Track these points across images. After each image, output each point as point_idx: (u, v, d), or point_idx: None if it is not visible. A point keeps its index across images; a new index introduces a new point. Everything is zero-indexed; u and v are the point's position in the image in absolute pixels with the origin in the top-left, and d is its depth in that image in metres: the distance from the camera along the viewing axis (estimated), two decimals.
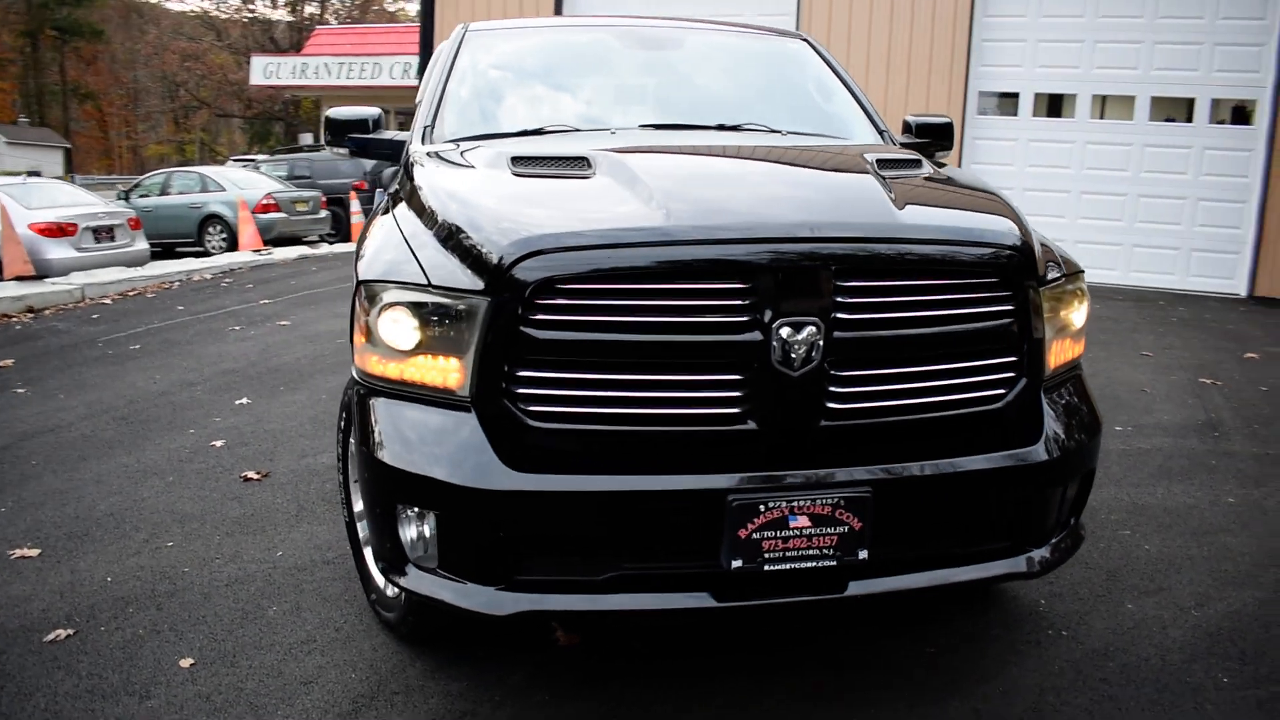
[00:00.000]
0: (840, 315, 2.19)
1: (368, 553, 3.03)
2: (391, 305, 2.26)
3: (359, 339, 2.40)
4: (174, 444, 4.70)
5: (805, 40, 4.06)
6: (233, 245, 14.35)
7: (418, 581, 2.26)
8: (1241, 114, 10.56)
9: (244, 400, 5.44)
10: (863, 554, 2.25)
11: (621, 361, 2.14)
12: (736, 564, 2.18)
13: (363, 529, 3.06)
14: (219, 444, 4.69)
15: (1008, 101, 11.27)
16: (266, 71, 22.73)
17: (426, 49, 12.88)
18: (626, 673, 2.70)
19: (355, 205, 13.92)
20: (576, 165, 2.60)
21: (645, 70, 3.67)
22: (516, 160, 2.65)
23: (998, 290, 2.34)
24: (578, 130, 3.23)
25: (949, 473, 2.30)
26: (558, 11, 12.51)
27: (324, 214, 16.08)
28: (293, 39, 39.04)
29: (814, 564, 2.23)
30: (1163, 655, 2.91)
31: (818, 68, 3.88)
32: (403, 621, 2.76)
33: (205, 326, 7.50)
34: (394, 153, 3.44)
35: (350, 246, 13.08)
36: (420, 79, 12.83)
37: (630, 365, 2.14)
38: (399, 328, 2.25)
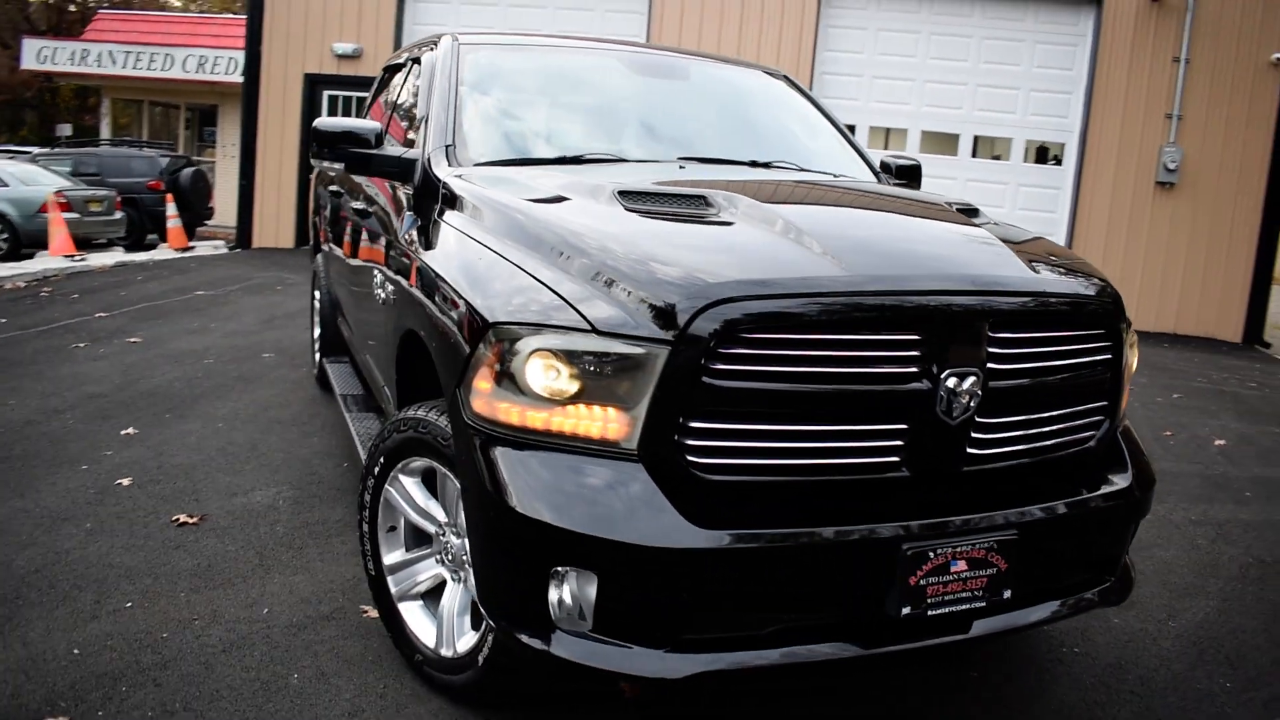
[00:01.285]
0: (992, 366, 2.23)
1: (406, 610, 2.77)
2: (544, 351, 2.06)
3: (480, 383, 2.17)
4: (70, 483, 4.11)
5: (786, 78, 4.11)
6: (13, 249, 12.82)
7: (569, 647, 2.06)
8: (1049, 154, 11.61)
9: (130, 430, 4.85)
10: (1006, 594, 2.28)
11: (793, 411, 2.07)
12: (905, 610, 2.15)
13: (394, 583, 2.79)
14: (126, 482, 4.15)
15: None
16: (40, 56, 20.49)
17: (254, 48, 12.09)
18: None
19: (171, 209, 12.77)
20: (695, 204, 2.50)
21: (655, 99, 3.59)
22: (625, 195, 2.51)
23: (1102, 339, 2.47)
24: (623, 160, 3.10)
25: (1075, 511, 2.38)
26: (398, 20, 12.06)
27: (119, 215, 14.65)
28: (51, 20, 35.50)
29: (967, 606, 2.23)
30: (1168, 665, 3.13)
31: (805, 105, 3.94)
32: (474, 685, 2.53)
33: (43, 343, 6.63)
34: (401, 172, 3.17)
35: (167, 253, 12.03)
36: (245, 77, 12.10)
37: (801, 415, 2.08)
38: (554, 376, 2.06)
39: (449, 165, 3.02)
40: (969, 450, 2.25)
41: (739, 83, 3.91)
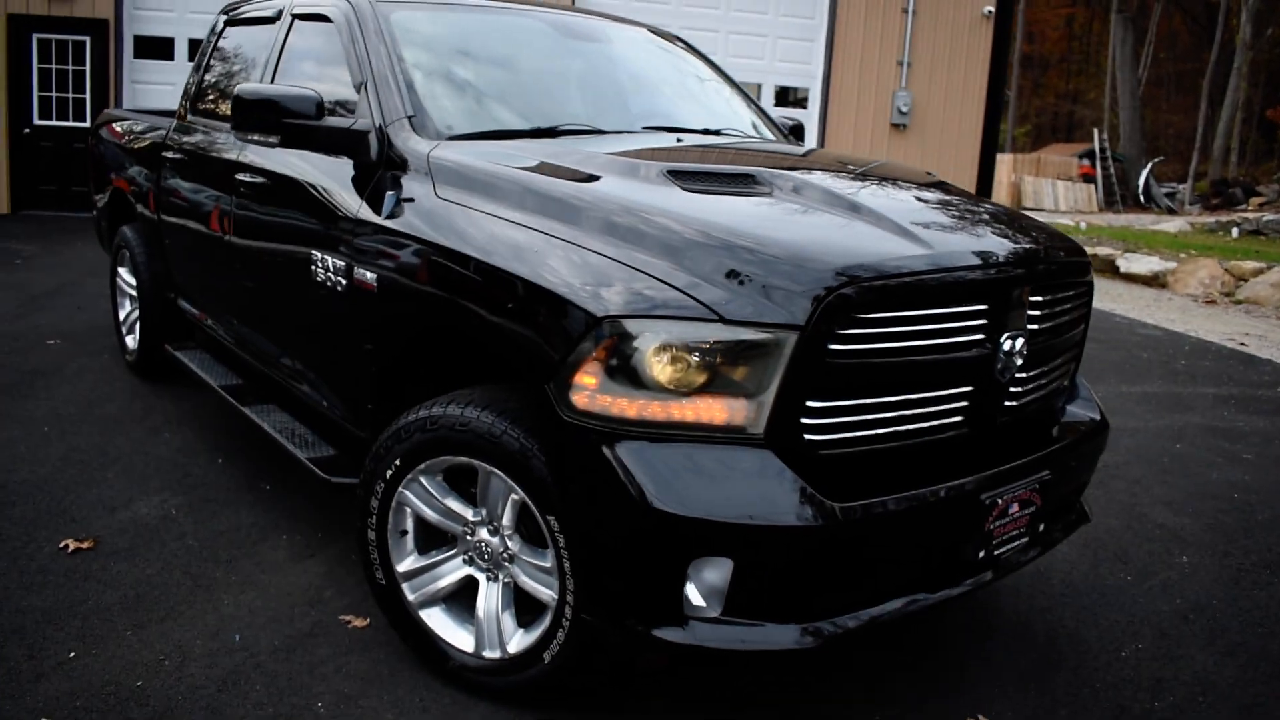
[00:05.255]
0: (1030, 327, 2.45)
1: (429, 616, 2.64)
2: (668, 344, 2.02)
3: (584, 379, 2.08)
4: None
5: (679, 37, 4.14)
6: None
7: (704, 634, 2.07)
8: (796, 99, 12.34)
9: None
10: (1041, 527, 2.55)
11: (891, 382, 2.20)
12: (981, 553, 2.36)
13: (411, 590, 2.65)
14: None
15: None
16: None
17: None
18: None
19: None
20: (747, 183, 2.53)
21: (592, 64, 3.50)
22: (676, 175, 2.46)
23: (1085, 292, 2.79)
24: (601, 132, 3.02)
25: (1079, 445, 2.69)
26: None
27: None
28: None
29: (1015, 544, 2.48)
30: (1076, 569, 3.60)
31: (709, 69, 4.01)
32: (535, 684, 2.46)
33: None
34: (352, 145, 2.90)
35: None
36: None
37: (896, 385, 2.21)
38: (681, 368, 2.02)
39: (421, 138, 2.81)
40: (1006, 404, 2.47)
41: (650, 44, 3.88)
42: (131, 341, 5.25)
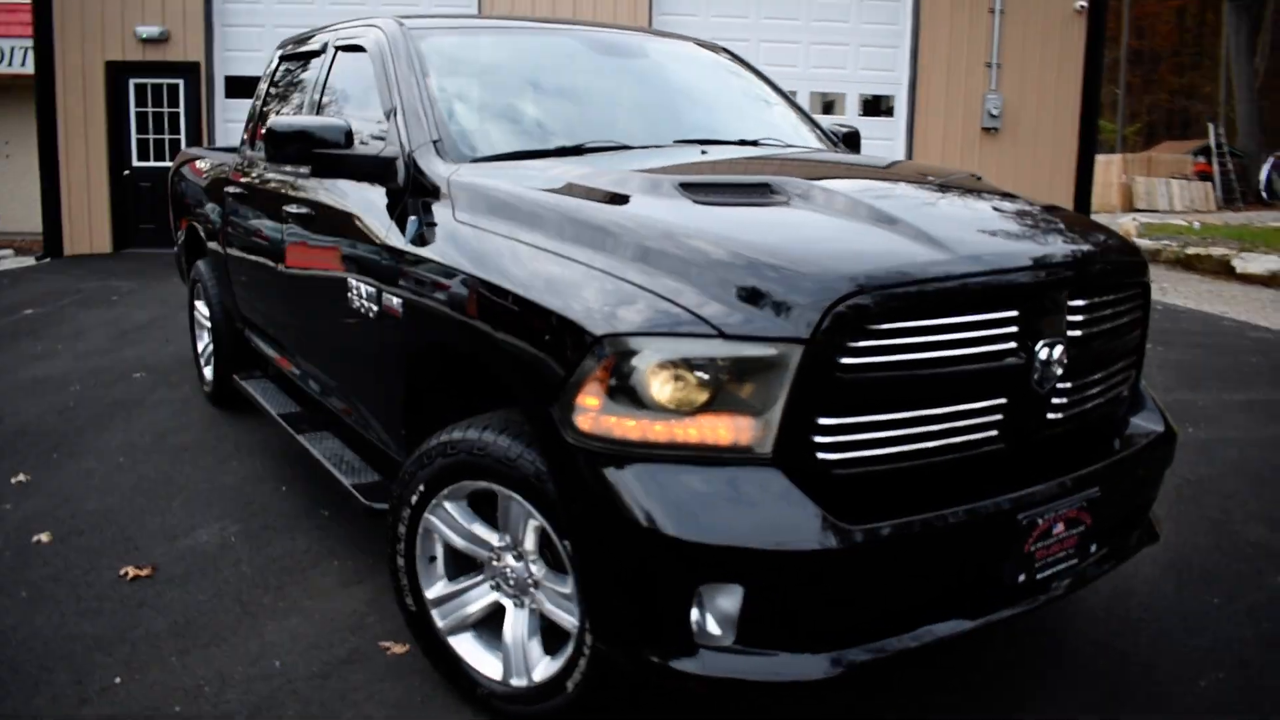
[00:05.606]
0: (1070, 334, 2.28)
1: (458, 643, 2.60)
2: (668, 361, 1.94)
3: (586, 400, 2.02)
4: None
5: (726, 50, 4.05)
6: None
7: (716, 664, 1.97)
8: (884, 108, 12.09)
9: (22, 478, 4.31)
10: (1092, 548, 2.37)
11: (911, 396, 2.06)
12: (1021, 578, 2.19)
13: (441, 617, 2.61)
14: (44, 538, 3.69)
15: None
16: None
17: (45, 36, 10.91)
18: None
19: None
20: (762, 193, 2.42)
21: (626, 79, 3.45)
22: (689, 188, 2.39)
23: (1139, 296, 2.59)
24: (627, 147, 2.96)
25: (1135, 459, 2.49)
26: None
27: None
28: None
29: (1063, 566, 2.30)
30: (1158, 589, 3.37)
31: (753, 77, 3.91)
32: (561, 712, 2.40)
33: None
34: (380, 173, 2.92)
35: None
36: (37, 68, 10.79)
37: (918, 399, 2.07)
38: (681, 386, 1.94)
39: (444, 162, 2.80)
40: (1049, 416, 2.30)
41: (692, 58, 3.82)
42: (208, 373, 5.41)
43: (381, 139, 3.11)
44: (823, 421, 1.97)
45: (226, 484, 4.28)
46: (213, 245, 4.95)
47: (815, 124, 3.80)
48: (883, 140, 11.80)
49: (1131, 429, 2.66)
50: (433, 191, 2.75)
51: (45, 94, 11.10)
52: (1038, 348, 2.19)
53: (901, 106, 11.75)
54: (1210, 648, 2.98)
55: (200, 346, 5.56)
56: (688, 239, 2.12)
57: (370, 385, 3.14)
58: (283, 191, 3.72)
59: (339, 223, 3.16)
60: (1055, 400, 2.30)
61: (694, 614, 1.97)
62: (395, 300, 2.74)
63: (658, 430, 1.97)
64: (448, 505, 2.51)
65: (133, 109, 11.48)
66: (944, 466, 2.14)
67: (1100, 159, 18.22)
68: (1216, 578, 3.44)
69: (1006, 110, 11.60)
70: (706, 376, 1.94)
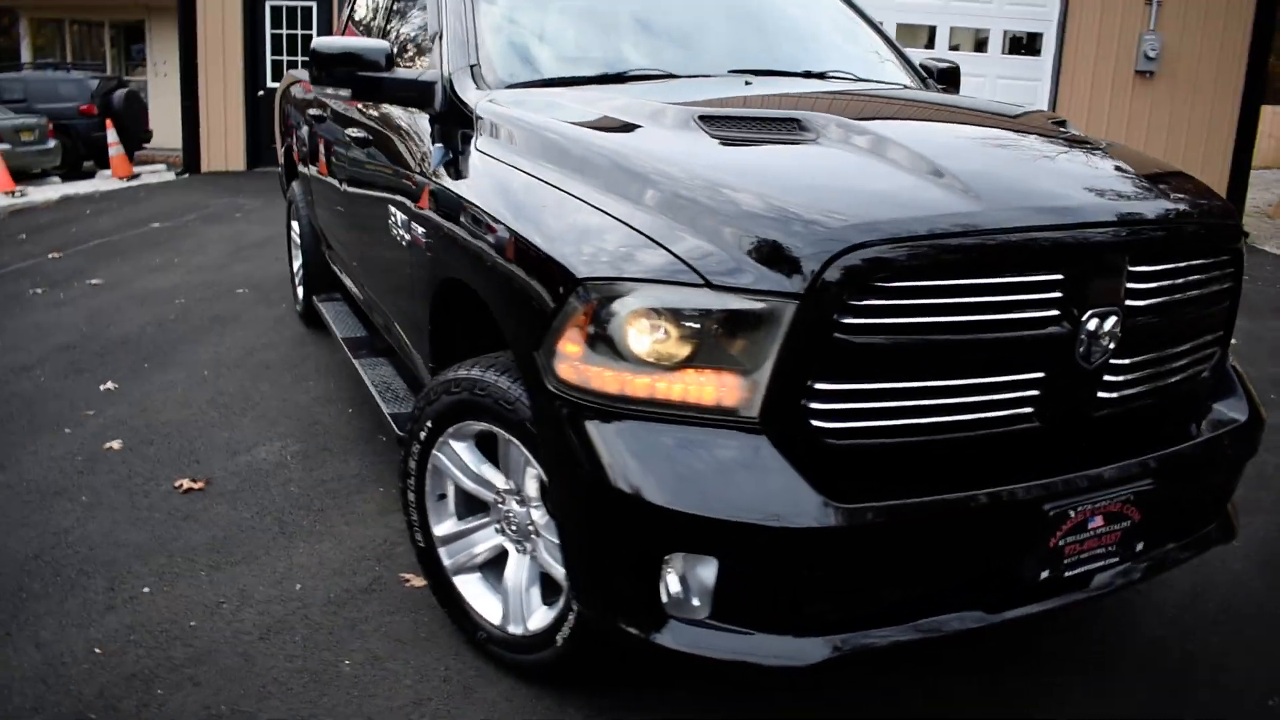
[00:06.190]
0: (1130, 303, 2.00)
1: (463, 584, 2.55)
2: (649, 310, 1.79)
3: (567, 346, 1.89)
4: (54, 450, 3.79)
5: None
6: None
7: (685, 638, 1.84)
8: (1029, 46, 11.29)
9: (110, 385, 4.49)
10: (1139, 546, 2.11)
11: (927, 365, 1.83)
12: (1044, 575, 1.96)
13: (448, 555, 2.56)
14: (115, 445, 3.83)
15: None
16: None
17: None
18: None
19: (112, 135, 11.99)
20: (791, 128, 2.20)
21: (690, 3, 3.23)
22: (709, 120, 2.20)
23: (1228, 264, 2.27)
24: (673, 76, 2.77)
25: (1205, 452, 2.21)
26: None
27: (53, 144, 13.81)
28: None
29: (1100, 564, 2.05)
30: (1244, 587, 3.07)
31: (838, 3, 3.61)
32: (550, 665, 2.32)
33: None
34: (420, 97, 2.82)
35: (110, 183, 11.35)
36: None
37: (935, 368, 1.84)
38: (661, 338, 1.79)
39: (477, 88, 2.68)
40: (1100, 395, 2.04)
41: None
42: (300, 293, 5.51)
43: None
44: (818, 386, 1.78)
45: (299, 402, 4.36)
46: (301, 167, 4.99)
47: (904, 57, 3.49)
48: (1027, 82, 11.03)
49: (1212, 414, 2.36)
50: (465, 119, 2.64)
51: (187, 16, 11.48)
52: (1085, 318, 1.92)
53: (1050, 45, 10.92)
54: None
55: (295, 266, 5.67)
56: (689, 178, 1.94)
57: (406, 317, 3.10)
58: (346, 114, 3.68)
59: (386, 148, 3.10)
60: (1108, 378, 2.03)
61: (666, 583, 1.84)
62: (420, 230, 2.66)
63: (638, 384, 1.82)
64: (454, 444, 2.44)
65: (268, 31, 11.78)
66: (965, 445, 1.91)
67: (1268, 110, 16.62)
68: None
69: (1165, 52, 10.64)
70: (690, 329, 1.78)
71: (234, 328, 5.47)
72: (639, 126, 2.24)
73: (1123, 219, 1.99)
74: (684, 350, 1.79)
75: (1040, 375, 1.93)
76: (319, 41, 2.87)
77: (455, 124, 2.67)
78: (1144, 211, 2.05)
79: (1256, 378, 5.23)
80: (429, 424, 2.46)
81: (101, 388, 4.47)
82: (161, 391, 4.45)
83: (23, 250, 7.41)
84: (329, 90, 2.82)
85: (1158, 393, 2.17)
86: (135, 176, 11.68)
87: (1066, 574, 1.99)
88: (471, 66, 2.75)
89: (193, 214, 9.10)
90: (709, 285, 1.76)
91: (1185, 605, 2.91)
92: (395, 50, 3.10)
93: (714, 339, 1.77)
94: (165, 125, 16.14)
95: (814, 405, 1.79)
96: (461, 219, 2.39)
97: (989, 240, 1.83)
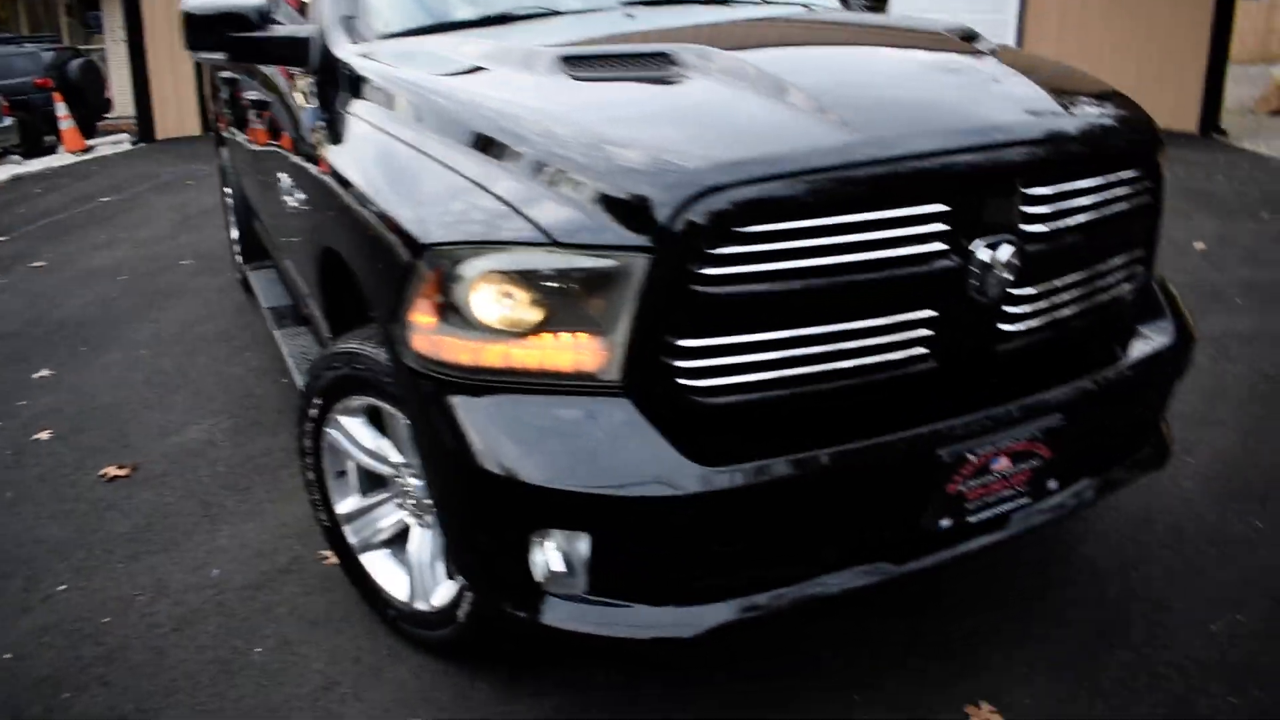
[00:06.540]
0: (1026, 228, 1.87)
1: (370, 561, 2.47)
2: (494, 274, 1.67)
3: (419, 317, 1.77)
4: None
5: None
6: None
7: (562, 614, 1.76)
8: None
9: (45, 372, 4.39)
10: (1052, 484, 2.01)
11: (803, 312, 1.72)
12: (945, 523, 1.87)
13: (353, 533, 2.48)
14: (45, 436, 3.74)
15: None
16: None
17: None
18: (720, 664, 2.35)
19: (62, 109, 11.72)
20: (658, 64, 2.04)
21: None
22: (571, 61, 2.04)
23: (1143, 178, 2.12)
24: (557, 13, 2.60)
25: (1122, 380, 2.09)
26: None
27: (8, 121, 13.52)
28: None
29: (1010, 505, 1.96)
30: (1194, 509, 2.95)
31: None
32: (455, 642, 2.25)
33: None
34: (296, 54, 2.65)
35: (65, 158, 11.13)
36: None
37: (812, 315, 1.73)
38: (512, 304, 1.67)
39: (350, 41, 2.52)
40: (1002, 327, 1.92)
41: None
42: (239, 260, 5.37)
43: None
44: (682, 344, 1.66)
45: (234, 375, 4.26)
46: (223, 132, 4.83)
47: None
48: None
49: (1137, 338, 2.24)
50: (336, 75, 2.49)
51: None
52: (975, 249, 1.80)
53: None
54: (1238, 581, 2.60)
55: (234, 235, 5.52)
56: (540, 128, 1.80)
57: (308, 286, 2.97)
58: (249, 77, 3.51)
59: (275, 111, 2.95)
60: (1011, 310, 1.91)
61: (537, 558, 1.75)
62: (302, 198, 2.53)
63: (492, 354, 1.71)
64: (344, 420, 2.34)
65: None
66: (857, 392, 1.80)
67: (1252, 5, 16.08)
68: (1270, 497, 3.00)
69: None
70: (537, 292, 1.66)
71: (176, 301, 5.35)
72: (499, 73, 2.10)
73: (1012, 140, 1.85)
74: (535, 315, 1.67)
75: (932, 314, 1.81)
76: (189, 3, 2.69)
77: (329, 82, 2.52)
78: (1037, 129, 1.90)
79: (1223, 282, 5.15)
80: (318, 400, 2.36)
81: (35, 375, 4.36)
82: (98, 374, 4.35)
83: None
84: (202, 54, 2.65)
85: (1071, 321, 2.05)
86: (89, 150, 11.43)
87: (971, 519, 1.90)
88: (346, 19, 2.58)
89: (144, 184, 8.90)
90: (555, 244, 1.64)
91: (1129, 534, 2.83)
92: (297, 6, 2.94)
93: (565, 301, 1.66)
94: (127, 95, 15.77)
95: (680, 364, 1.68)
96: (328, 185, 2.25)
97: (861, 173, 1.70)
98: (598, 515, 1.67)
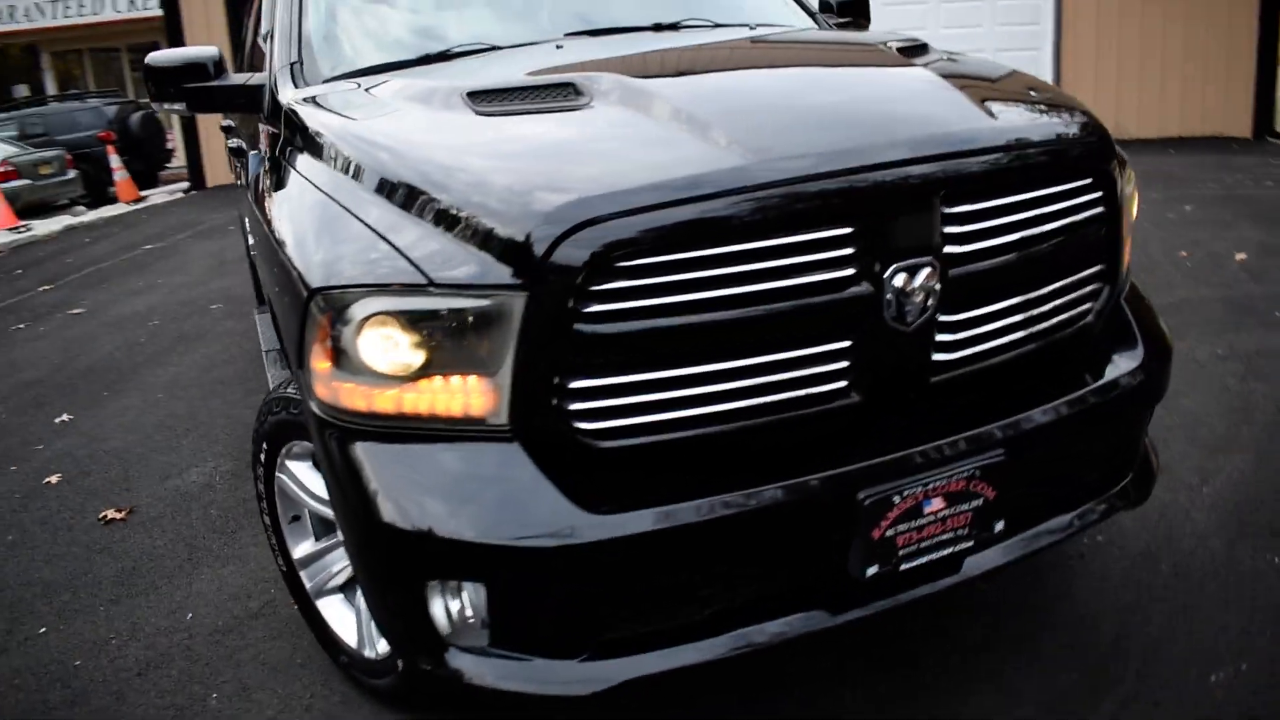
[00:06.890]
0: (950, 250, 1.77)
1: (325, 606, 2.45)
2: (377, 317, 1.64)
3: (318, 363, 1.76)
4: None
5: None
6: None
7: (467, 668, 1.71)
8: None
9: (65, 417, 4.50)
10: (999, 526, 1.90)
11: (703, 347, 1.66)
12: (872, 570, 1.77)
13: (308, 578, 2.46)
14: (54, 479, 3.83)
15: None
16: None
17: None
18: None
19: (115, 160, 12.16)
20: (563, 95, 2.00)
21: None
22: (476, 96, 2.02)
23: (1091, 189, 2.01)
24: (496, 48, 2.59)
25: (1075, 411, 1.96)
26: None
27: (72, 174, 14.08)
28: None
29: (950, 550, 1.85)
30: (1204, 544, 2.75)
31: None
32: (396, 691, 2.21)
33: None
34: (250, 102, 2.69)
35: (119, 207, 11.53)
36: (163, 3, 11.24)
37: (713, 351, 1.66)
38: (392, 347, 1.65)
39: (295, 86, 2.54)
40: (935, 357, 1.83)
41: None
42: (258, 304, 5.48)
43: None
44: (573, 385, 1.61)
45: (244, 420, 4.30)
46: (236, 178, 4.93)
47: None
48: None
49: (1105, 362, 2.12)
50: (277, 120, 2.50)
51: (173, 28, 11.52)
52: (889, 274, 1.71)
53: None
54: (1244, 626, 2.40)
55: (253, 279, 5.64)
56: (432, 166, 1.79)
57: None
58: (230, 125, 3.58)
59: (239, 156, 2.99)
60: (941, 338, 1.82)
61: (437, 609, 1.71)
62: (250, 243, 2.54)
63: (385, 399, 1.69)
64: (290, 465, 2.34)
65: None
66: (770, 430, 1.73)
67: None
68: None
69: None
70: (418, 335, 1.63)
71: (199, 345, 5.46)
72: (406, 113, 2.09)
73: (924, 155, 1.75)
74: (418, 358, 1.64)
75: (847, 344, 1.73)
76: (152, 56, 2.75)
77: (275, 128, 2.54)
78: (956, 143, 1.80)
79: (1261, 295, 4.91)
80: (265, 445, 2.36)
81: (56, 420, 4.48)
82: (113, 418, 4.44)
83: (16, 286, 7.53)
84: (166, 105, 2.69)
85: (1018, 346, 1.94)
86: (142, 199, 11.82)
87: (904, 566, 1.79)
88: (292, 64, 2.61)
89: (186, 232, 9.17)
90: (432, 284, 1.61)
91: (1132, 571, 2.65)
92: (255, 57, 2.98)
93: (448, 343, 1.63)
94: None
95: (573, 406, 1.62)
96: (264, 231, 2.26)
97: (751, 197, 1.63)
98: (487, 565, 1.62)
